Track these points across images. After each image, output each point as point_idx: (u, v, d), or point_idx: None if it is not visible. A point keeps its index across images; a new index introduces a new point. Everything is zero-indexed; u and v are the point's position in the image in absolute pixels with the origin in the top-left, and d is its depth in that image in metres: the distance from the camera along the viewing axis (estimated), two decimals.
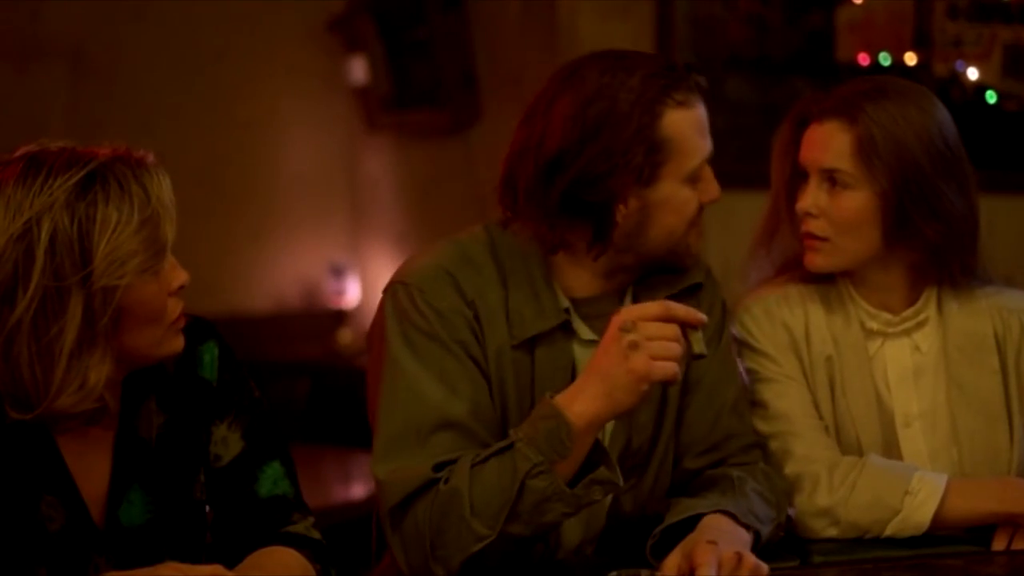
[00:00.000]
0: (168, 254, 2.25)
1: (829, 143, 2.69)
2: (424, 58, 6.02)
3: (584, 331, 2.58)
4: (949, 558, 2.57)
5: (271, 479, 2.40)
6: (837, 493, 2.62)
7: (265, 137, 6.40)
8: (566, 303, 2.57)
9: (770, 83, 4.87)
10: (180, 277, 2.27)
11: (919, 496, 2.61)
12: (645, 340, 2.34)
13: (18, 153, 2.22)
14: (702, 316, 2.39)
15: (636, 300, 2.62)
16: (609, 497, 2.55)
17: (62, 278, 2.14)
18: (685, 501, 2.54)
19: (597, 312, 2.58)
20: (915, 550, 2.59)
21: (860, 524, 2.62)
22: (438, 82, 5.96)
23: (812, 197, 2.70)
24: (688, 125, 2.54)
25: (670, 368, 2.35)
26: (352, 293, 6.50)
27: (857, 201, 2.67)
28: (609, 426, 2.57)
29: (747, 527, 2.47)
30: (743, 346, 2.77)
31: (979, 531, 2.63)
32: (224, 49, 6.28)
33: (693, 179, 2.55)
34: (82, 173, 2.17)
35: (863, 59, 4.60)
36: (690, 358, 2.42)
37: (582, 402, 2.36)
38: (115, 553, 2.28)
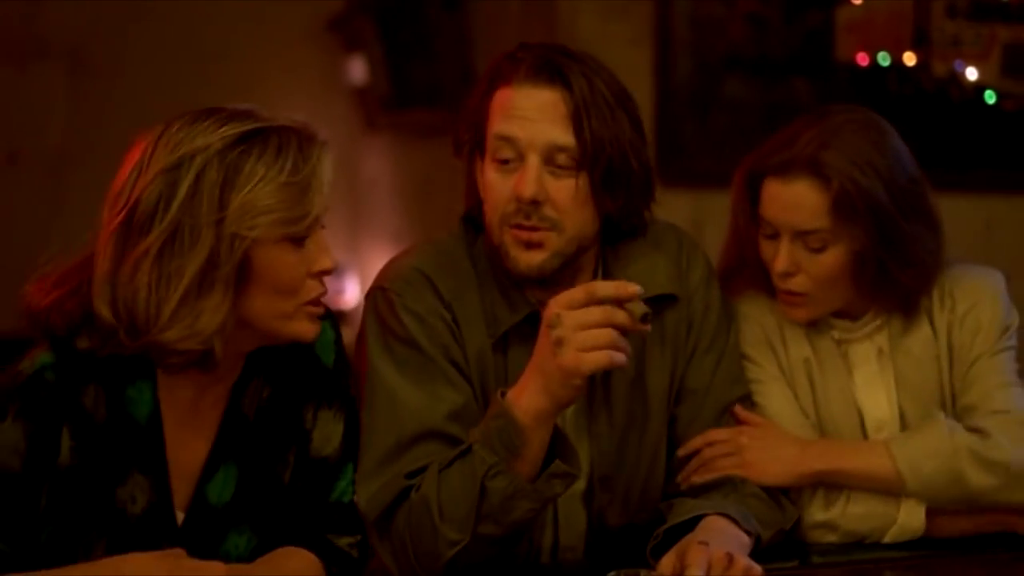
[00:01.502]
0: (314, 230, 2.30)
1: (801, 203, 2.62)
2: (423, 58, 6.02)
3: None
4: (948, 558, 2.57)
5: (346, 481, 2.42)
6: (833, 508, 2.63)
7: None
8: (533, 300, 2.55)
9: (770, 83, 4.87)
10: (325, 261, 2.33)
11: (911, 501, 2.61)
12: (571, 332, 2.28)
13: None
14: (632, 287, 2.29)
15: None
16: (582, 514, 2.57)
17: (197, 215, 2.18)
18: (688, 502, 2.54)
19: None
20: (914, 551, 2.60)
21: (859, 532, 2.63)
22: (437, 82, 5.96)
23: (787, 257, 2.64)
24: (503, 104, 2.49)
25: (600, 358, 2.28)
26: (351, 293, 6.50)
27: (835, 257, 2.63)
28: (582, 442, 2.56)
29: (747, 531, 2.47)
30: None
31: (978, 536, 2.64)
32: (223, 49, 6.28)
33: (504, 163, 2.49)
34: (248, 127, 2.23)
35: (862, 59, 4.60)
36: (639, 325, 2.30)
37: (527, 397, 2.34)
38: (185, 539, 2.29)
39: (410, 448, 2.45)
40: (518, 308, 2.54)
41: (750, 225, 2.70)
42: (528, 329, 2.53)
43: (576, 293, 2.30)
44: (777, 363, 2.74)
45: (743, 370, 2.71)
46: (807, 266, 2.65)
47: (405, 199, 6.41)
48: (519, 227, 2.48)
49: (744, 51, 4.91)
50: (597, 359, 2.28)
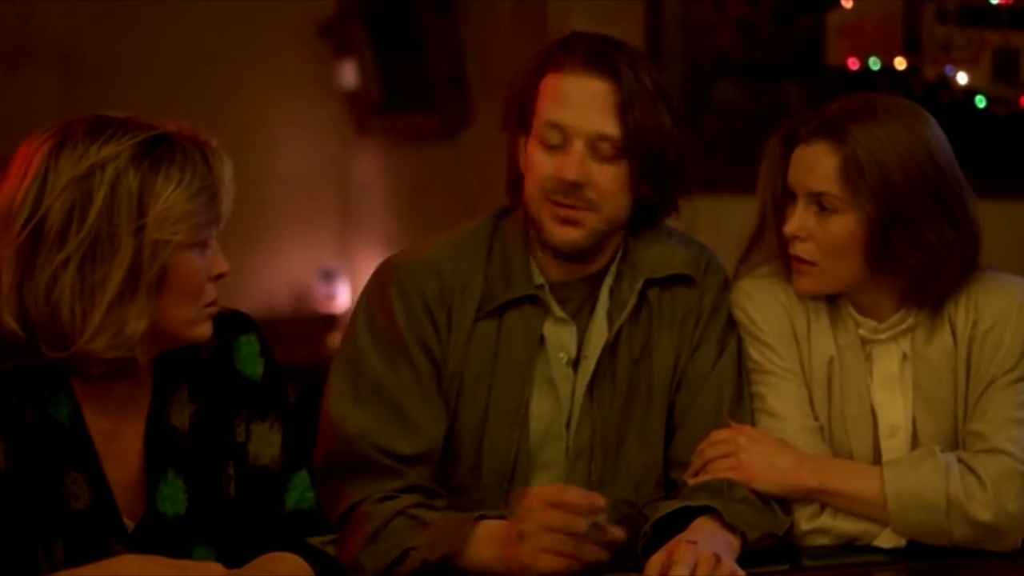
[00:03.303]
0: (215, 233, 2.30)
1: (816, 166, 2.65)
2: (414, 62, 6.02)
3: (556, 309, 2.65)
4: (940, 562, 2.57)
5: (299, 489, 2.43)
6: (820, 518, 2.63)
7: (255, 141, 6.41)
8: (541, 281, 2.65)
9: (760, 87, 4.88)
10: (222, 265, 2.32)
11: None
12: (535, 530, 2.36)
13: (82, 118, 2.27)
14: (597, 503, 2.36)
15: (616, 284, 2.67)
16: (583, 480, 2.63)
17: (116, 224, 2.18)
18: (674, 503, 2.55)
19: (569, 296, 2.66)
20: (905, 555, 2.60)
21: (850, 534, 2.63)
22: (428, 86, 5.96)
23: (800, 220, 2.66)
24: (554, 90, 2.59)
25: (556, 564, 2.36)
26: (342, 297, 6.50)
27: (844, 226, 2.64)
28: (575, 414, 2.65)
29: (734, 530, 2.49)
30: (744, 332, 2.76)
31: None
32: (215, 53, 6.28)
33: (551, 147, 2.59)
34: (151, 134, 2.23)
35: (853, 63, 4.61)
36: (595, 535, 2.38)
37: (487, 551, 2.46)
38: (138, 545, 2.29)
39: (366, 400, 2.61)
40: (514, 288, 2.64)
41: (778, 193, 2.72)
42: (528, 307, 2.64)
43: (549, 493, 2.39)
44: (799, 358, 2.74)
45: (743, 373, 2.72)
46: (817, 234, 2.66)
47: (396, 204, 6.41)
48: (557, 203, 2.59)
49: (735, 56, 4.92)
50: (552, 563, 2.37)
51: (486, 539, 2.46)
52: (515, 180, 2.68)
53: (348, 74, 6.41)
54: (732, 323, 2.73)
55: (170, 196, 2.20)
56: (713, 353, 2.69)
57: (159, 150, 2.22)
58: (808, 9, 4.78)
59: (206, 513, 2.36)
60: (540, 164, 2.59)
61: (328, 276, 6.51)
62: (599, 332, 2.65)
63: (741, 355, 2.73)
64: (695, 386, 2.68)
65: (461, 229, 2.73)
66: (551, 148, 2.58)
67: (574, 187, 2.56)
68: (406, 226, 6.29)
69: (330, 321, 6.42)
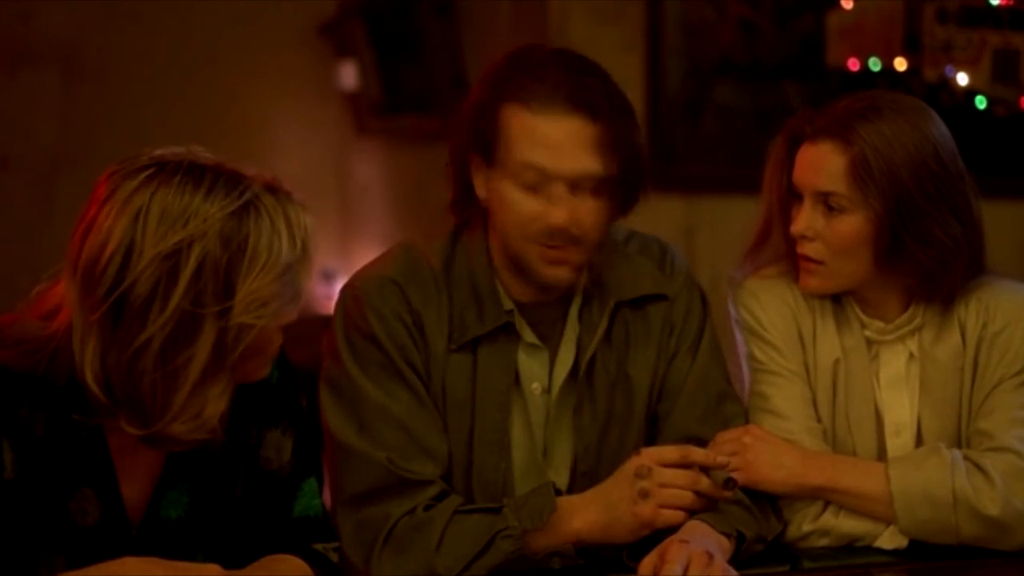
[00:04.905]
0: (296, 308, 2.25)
1: (823, 165, 2.65)
2: (415, 63, 6.03)
3: (528, 334, 2.62)
4: (940, 563, 2.57)
5: (308, 496, 2.43)
6: (822, 518, 2.63)
7: (255, 141, 6.40)
8: (510, 305, 2.61)
9: (761, 88, 4.88)
10: (292, 315, 2.26)
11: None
12: (657, 488, 2.42)
13: (160, 154, 2.20)
14: (722, 458, 2.47)
15: (584, 307, 2.64)
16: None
17: (201, 305, 2.12)
18: None
19: (540, 318, 2.63)
20: (905, 556, 2.60)
21: (852, 534, 2.63)
22: (429, 87, 5.97)
23: (807, 220, 2.67)
24: (524, 129, 2.48)
25: (675, 518, 2.43)
26: None
27: (852, 225, 2.65)
28: (550, 443, 2.64)
29: (727, 535, 2.49)
30: (749, 332, 2.77)
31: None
32: (215, 53, 6.28)
33: (528, 187, 2.50)
34: (240, 202, 2.15)
35: (853, 64, 4.61)
36: (721, 492, 2.48)
37: (583, 518, 2.47)
38: (141, 548, 2.27)
39: (374, 432, 2.54)
40: (488, 319, 2.60)
41: (784, 192, 2.72)
42: (501, 335, 2.60)
43: (669, 453, 2.46)
44: (803, 360, 2.74)
45: (722, 368, 2.73)
46: (824, 232, 2.66)
47: (396, 204, 6.41)
48: (545, 246, 2.52)
49: (735, 56, 4.92)
50: (672, 517, 2.44)
51: (581, 508, 2.48)
52: (467, 200, 2.61)
53: (348, 75, 6.41)
54: (704, 322, 2.73)
55: (256, 278, 2.14)
56: (687, 360, 2.69)
57: (247, 222, 2.15)
58: (808, 9, 4.78)
59: (209, 515, 2.35)
60: (518, 203, 2.51)
61: (328, 277, 6.50)
62: (565, 359, 2.64)
63: (717, 350, 2.73)
64: (673, 394, 2.68)
65: (411, 247, 2.67)
66: (528, 187, 2.50)
67: (561, 231, 2.49)
68: (406, 226, 6.29)
69: (330, 321, 6.41)
